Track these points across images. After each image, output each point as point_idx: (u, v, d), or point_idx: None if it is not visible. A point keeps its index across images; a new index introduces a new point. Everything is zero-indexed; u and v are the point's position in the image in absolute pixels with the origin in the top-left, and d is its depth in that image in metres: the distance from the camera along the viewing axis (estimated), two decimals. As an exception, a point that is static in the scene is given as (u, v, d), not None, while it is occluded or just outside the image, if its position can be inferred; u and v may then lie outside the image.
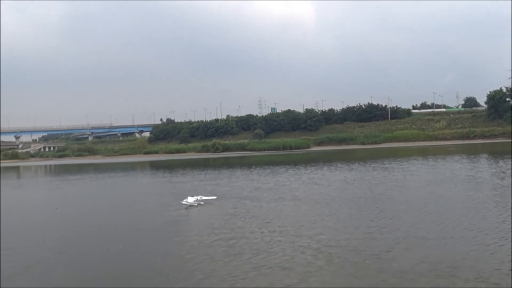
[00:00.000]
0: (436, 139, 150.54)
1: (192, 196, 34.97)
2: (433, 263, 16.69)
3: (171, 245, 21.79)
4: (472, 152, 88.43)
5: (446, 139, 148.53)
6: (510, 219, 23.58)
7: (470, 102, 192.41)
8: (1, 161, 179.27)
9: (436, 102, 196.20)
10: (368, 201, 31.98)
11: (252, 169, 71.00)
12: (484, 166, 56.58)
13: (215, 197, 35.95)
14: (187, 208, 33.17)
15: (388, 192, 36.26)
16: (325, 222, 25.46)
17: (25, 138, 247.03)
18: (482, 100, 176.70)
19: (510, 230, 21.23)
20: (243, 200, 35.44)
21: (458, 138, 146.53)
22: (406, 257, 17.73)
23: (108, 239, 24.49)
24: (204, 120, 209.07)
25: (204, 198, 35.11)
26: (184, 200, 34.50)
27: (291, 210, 30.00)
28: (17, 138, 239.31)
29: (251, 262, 18.07)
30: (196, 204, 33.99)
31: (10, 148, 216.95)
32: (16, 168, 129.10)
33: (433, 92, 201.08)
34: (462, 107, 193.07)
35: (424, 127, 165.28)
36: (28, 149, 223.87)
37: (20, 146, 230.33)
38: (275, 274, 16.47)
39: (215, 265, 17.89)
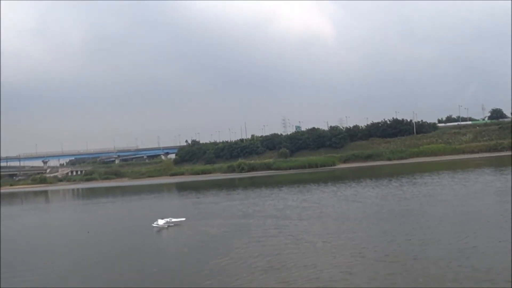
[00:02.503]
0: (463, 152, 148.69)
1: (162, 219, 35.82)
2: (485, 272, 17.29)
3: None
4: (500, 164, 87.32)
5: (473, 152, 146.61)
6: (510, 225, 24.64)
7: (497, 114, 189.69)
8: (30, 186, 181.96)
9: (461, 115, 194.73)
10: (404, 217, 32.05)
11: (281, 188, 71.23)
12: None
13: (184, 219, 36.78)
14: (159, 231, 34.50)
15: (424, 207, 36.28)
16: (370, 238, 25.75)
17: (52, 162, 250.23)
18: (508, 111, 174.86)
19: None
20: (281, 219, 35.67)
21: (486, 151, 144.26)
22: (461, 267, 18.32)
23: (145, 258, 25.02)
24: (229, 141, 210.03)
25: (173, 220, 35.99)
26: (155, 223, 35.60)
27: (336, 226, 30.24)
28: (45, 162, 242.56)
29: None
30: (166, 226, 35.01)
31: (38, 173, 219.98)
32: (45, 193, 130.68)
33: (459, 105, 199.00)
34: (488, 119, 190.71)
35: (450, 140, 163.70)
36: (56, 174, 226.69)
37: (48, 170, 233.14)
38: None
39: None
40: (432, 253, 20.89)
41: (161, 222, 35.51)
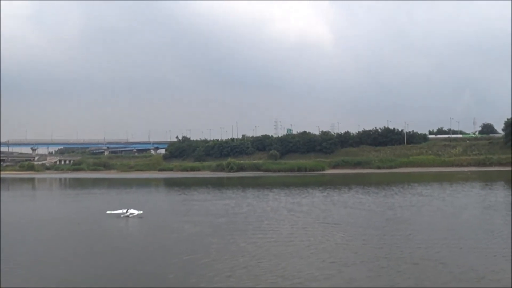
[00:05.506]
0: (452, 165, 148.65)
1: (120, 210, 38.29)
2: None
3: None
4: (488, 179, 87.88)
5: (462, 165, 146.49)
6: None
7: (487, 129, 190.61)
8: (17, 172, 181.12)
9: (452, 128, 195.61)
10: (396, 224, 32.47)
11: (271, 189, 71.46)
12: (501, 193, 56.85)
13: (141, 211, 38.66)
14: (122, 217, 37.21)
15: (414, 216, 36.73)
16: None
17: (41, 150, 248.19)
18: (499, 127, 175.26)
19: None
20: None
21: (475, 165, 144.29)
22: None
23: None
24: (219, 139, 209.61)
25: (131, 211, 38.10)
26: (109, 211, 38.54)
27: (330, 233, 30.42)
28: (33, 150, 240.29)
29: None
30: (122, 216, 37.28)
31: (26, 160, 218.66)
32: (32, 180, 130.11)
33: (450, 118, 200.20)
34: (479, 133, 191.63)
35: (440, 152, 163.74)
36: (44, 162, 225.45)
37: (36, 158, 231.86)
38: None
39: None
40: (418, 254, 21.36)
41: (117, 211, 37.97)
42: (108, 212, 38.41)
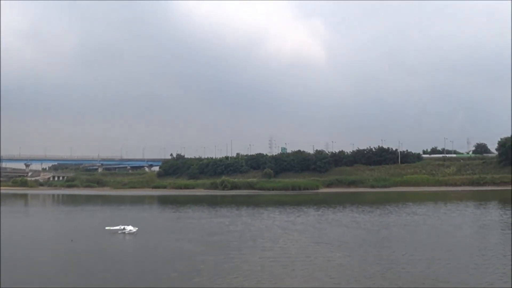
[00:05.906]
0: (446, 184, 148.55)
1: (117, 226, 39.87)
2: None
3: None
4: (482, 198, 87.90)
5: (456, 185, 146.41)
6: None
7: (481, 148, 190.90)
8: (10, 188, 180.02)
9: (446, 148, 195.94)
10: (391, 242, 32.34)
11: (265, 208, 71.30)
12: (496, 212, 56.89)
13: (137, 228, 39.66)
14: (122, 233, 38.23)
15: (410, 235, 36.56)
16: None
17: (35, 166, 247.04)
18: (493, 146, 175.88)
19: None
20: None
21: (468, 185, 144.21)
22: None
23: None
24: (214, 157, 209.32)
25: (128, 228, 39.50)
26: (108, 227, 39.47)
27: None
28: (27, 166, 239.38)
29: None
30: (119, 232, 38.70)
31: (19, 176, 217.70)
32: (25, 196, 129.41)
33: (444, 138, 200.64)
34: (473, 153, 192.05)
35: (434, 172, 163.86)
36: (37, 178, 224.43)
37: (29, 174, 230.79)
38: None
39: None
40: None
41: (115, 227, 39.35)
42: (106, 228, 39.09)
